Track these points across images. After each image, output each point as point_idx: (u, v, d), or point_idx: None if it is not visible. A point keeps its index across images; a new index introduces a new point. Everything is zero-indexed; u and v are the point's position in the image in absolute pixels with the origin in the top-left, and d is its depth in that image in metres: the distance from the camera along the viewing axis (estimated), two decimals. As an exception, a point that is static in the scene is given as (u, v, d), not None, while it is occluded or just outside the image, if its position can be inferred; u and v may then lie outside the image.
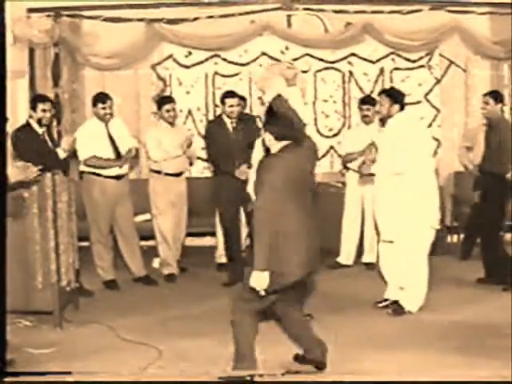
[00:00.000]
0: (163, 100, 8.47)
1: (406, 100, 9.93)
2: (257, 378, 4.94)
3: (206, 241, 9.80)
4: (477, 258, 8.47)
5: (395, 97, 7.06)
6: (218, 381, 4.95)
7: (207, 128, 8.50)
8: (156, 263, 8.49)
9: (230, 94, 8.24)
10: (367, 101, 8.79)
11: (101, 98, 7.88)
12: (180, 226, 8.46)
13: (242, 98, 8.75)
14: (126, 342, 6.06)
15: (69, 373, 5.08)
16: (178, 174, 8.36)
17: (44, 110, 7.24)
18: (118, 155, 7.80)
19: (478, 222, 8.36)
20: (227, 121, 8.17)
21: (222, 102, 8.21)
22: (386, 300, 7.07)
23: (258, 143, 6.84)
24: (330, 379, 5.15)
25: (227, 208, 8.15)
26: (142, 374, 5.27)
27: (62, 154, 7.28)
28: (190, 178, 9.07)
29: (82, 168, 7.80)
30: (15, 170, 5.93)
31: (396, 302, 6.92)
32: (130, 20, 9.76)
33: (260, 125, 8.14)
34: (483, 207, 8.07)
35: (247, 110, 9.71)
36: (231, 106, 8.09)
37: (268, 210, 4.77)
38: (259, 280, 4.80)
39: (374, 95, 8.83)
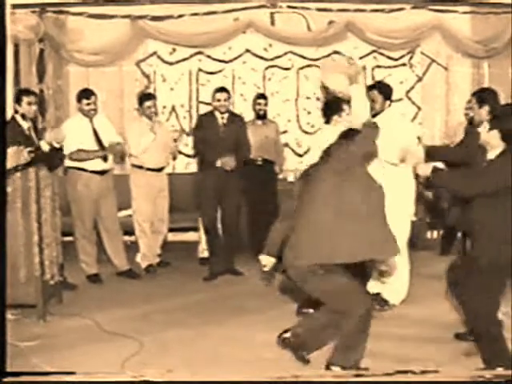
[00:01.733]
0: (144, 96, 8.56)
1: (388, 97, 10.13)
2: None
3: (189, 236, 9.87)
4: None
5: (387, 93, 7.13)
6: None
7: (198, 121, 8.58)
8: (139, 257, 8.57)
9: (221, 88, 8.34)
10: None
11: (85, 93, 7.94)
12: (162, 221, 8.57)
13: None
14: (109, 334, 6.12)
15: (69, 373, 5.13)
16: (159, 169, 8.45)
17: (29, 103, 7.25)
18: (103, 150, 7.89)
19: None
20: (218, 115, 8.23)
21: (213, 97, 8.31)
22: None
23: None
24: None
25: (208, 203, 8.25)
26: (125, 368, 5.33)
27: (45, 146, 7.30)
28: (174, 174, 9.17)
29: (67, 163, 7.86)
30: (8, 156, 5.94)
31: (378, 295, 6.99)
32: (114, 17, 9.79)
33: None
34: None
35: (230, 107, 9.81)
36: (219, 100, 8.17)
37: None
38: None
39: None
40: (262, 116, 9.26)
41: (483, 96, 6.42)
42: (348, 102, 6.26)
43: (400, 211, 6.76)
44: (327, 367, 5.18)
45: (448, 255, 9.08)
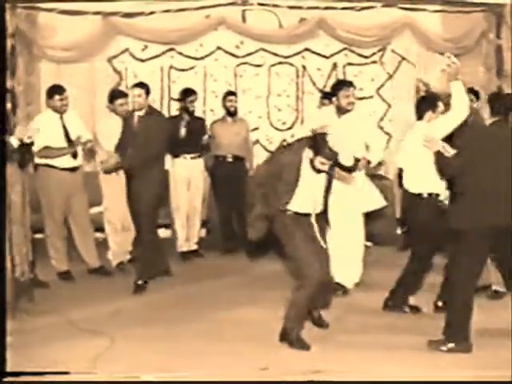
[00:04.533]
0: (116, 94, 8.57)
1: (359, 95, 10.28)
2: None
3: (161, 233, 9.87)
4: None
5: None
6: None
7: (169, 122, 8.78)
8: (110, 255, 8.57)
9: (138, 84, 8.22)
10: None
11: (57, 89, 7.93)
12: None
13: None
14: (80, 331, 6.14)
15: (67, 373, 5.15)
16: None
17: None
18: (71, 146, 7.88)
19: None
20: (185, 117, 8.67)
21: (182, 99, 8.71)
22: None
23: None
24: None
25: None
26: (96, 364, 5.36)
27: (15, 142, 7.27)
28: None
29: (37, 160, 7.85)
30: None
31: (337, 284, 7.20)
32: (86, 13, 9.78)
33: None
34: None
35: (201, 104, 9.91)
36: (192, 101, 8.68)
37: None
38: None
39: (327, 90, 9.06)
40: (232, 113, 9.30)
41: None
42: (442, 98, 6.43)
43: (355, 204, 7.17)
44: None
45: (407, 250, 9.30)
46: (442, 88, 6.48)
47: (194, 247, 9.21)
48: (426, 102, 6.78)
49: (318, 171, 5.73)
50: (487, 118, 6.15)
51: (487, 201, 5.61)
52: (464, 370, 5.21)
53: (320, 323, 6.26)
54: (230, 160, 9.17)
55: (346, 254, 7.19)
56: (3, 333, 5.04)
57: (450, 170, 5.83)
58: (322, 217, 5.96)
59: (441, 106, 6.65)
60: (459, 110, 6.16)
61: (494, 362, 5.31)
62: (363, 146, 7.23)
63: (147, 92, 7.67)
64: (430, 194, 6.53)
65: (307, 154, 5.71)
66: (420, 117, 6.75)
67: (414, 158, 6.54)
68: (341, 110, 7.23)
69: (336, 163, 5.76)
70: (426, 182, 6.51)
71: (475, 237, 5.59)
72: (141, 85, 7.75)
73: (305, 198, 5.77)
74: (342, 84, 7.57)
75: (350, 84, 7.45)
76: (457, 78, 6.12)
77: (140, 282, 7.46)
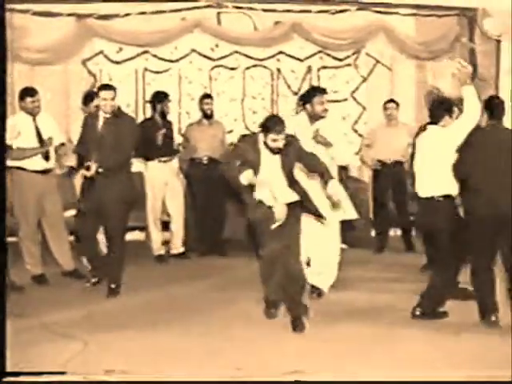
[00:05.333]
0: (90, 96, 8.55)
1: (334, 97, 10.36)
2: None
3: (135, 235, 9.87)
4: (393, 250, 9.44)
5: None
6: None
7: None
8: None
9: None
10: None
11: (29, 91, 7.90)
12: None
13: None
14: (54, 335, 6.12)
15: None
16: None
17: None
18: (43, 147, 7.85)
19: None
20: (158, 120, 8.80)
21: (156, 102, 8.80)
22: None
23: None
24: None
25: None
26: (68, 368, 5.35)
27: None
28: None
29: (9, 162, 7.79)
30: None
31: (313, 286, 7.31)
32: (60, 15, 9.76)
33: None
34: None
35: (177, 106, 9.92)
36: (164, 104, 8.78)
37: None
38: None
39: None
40: (208, 116, 9.32)
41: None
42: (456, 103, 6.53)
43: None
44: None
45: (382, 252, 9.43)
46: (453, 93, 6.57)
47: (181, 250, 9.25)
48: (443, 107, 6.68)
49: (274, 151, 6.02)
50: (485, 122, 6.44)
51: (490, 195, 6.18)
52: (463, 370, 5.22)
53: (296, 325, 6.25)
54: (205, 162, 9.18)
55: (322, 257, 7.27)
56: (3, 333, 5.02)
57: (459, 174, 6.30)
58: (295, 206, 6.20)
59: (456, 110, 6.70)
60: (472, 114, 6.29)
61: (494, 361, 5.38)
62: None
63: (115, 94, 7.47)
64: (445, 197, 6.51)
65: (261, 137, 6.06)
66: (435, 121, 6.65)
67: (430, 163, 6.53)
68: (314, 117, 7.21)
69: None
70: (442, 185, 6.51)
71: (484, 225, 6.17)
72: (110, 87, 7.58)
73: (266, 186, 6.06)
74: (315, 91, 7.51)
75: (323, 91, 7.42)
76: (468, 82, 6.26)
77: (113, 286, 7.45)
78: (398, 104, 9.54)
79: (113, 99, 7.36)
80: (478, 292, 6.37)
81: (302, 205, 6.28)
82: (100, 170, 7.21)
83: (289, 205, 6.19)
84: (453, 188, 6.49)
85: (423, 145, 6.68)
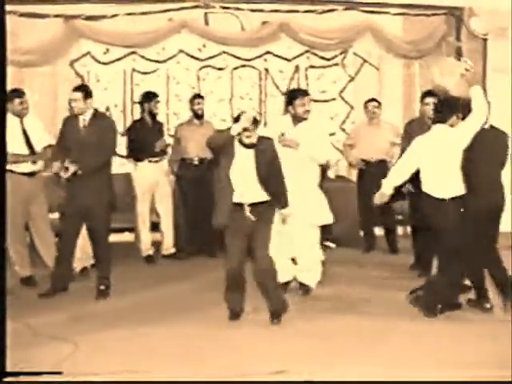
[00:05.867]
0: None
1: (322, 97, 10.40)
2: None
3: (125, 236, 9.87)
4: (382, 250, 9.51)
5: None
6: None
7: (131, 126, 9.23)
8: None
9: (150, 93, 8.80)
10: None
11: (16, 93, 7.87)
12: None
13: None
14: (43, 337, 6.11)
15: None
16: None
17: None
18: (32, 151, 7.82)
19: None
20: (148, 121, 8.84)
21: (145, 102, 8.85)
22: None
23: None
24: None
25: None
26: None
27: None
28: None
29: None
30: None
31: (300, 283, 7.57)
32: (47, 16, 9.71)
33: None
34: None
35: (165, 107, 9.92)
36: (153, 104, 8.89)
37: None
38: None
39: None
40: (199, 116, 9.32)
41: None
42: (463, 103, 6.61)
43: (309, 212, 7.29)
44: None
45: (370, 252, 9.51)
46: (460, 93, 6.65)
47: (172, 250, 9.28)
48: (451, 107, 6.73)
49: (246, 146, 6.20)
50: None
51: (487, 190, 6.56)
52: (464, 369, 5.25)
53: (273, 318, 6.48)
54: (196, 163, 9.16)
55: (308, 255, 7.46)
56: (3, 333, 5.01)
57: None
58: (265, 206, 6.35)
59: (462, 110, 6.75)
60: (480, 114, 6.41)
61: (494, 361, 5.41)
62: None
63: (87, 95, 7.39)
64: (453, 198, 6.57)
65: (233, 130, 6.17)
66: (442, 121, 6.67)
67: (438, 162, 6.58)
68: (296, 119, 7.30)
69: None
70: (450, 185, 6.58)
71: (483, 215, 6.49)
72: (79, 88, 7.53)
73: (239, 183, 6.25)
74: (296, 93, 7.64)
75: (304, 92, 7.53)
76: (475, 82, 6.34)
77: (102, 287, 7.44)
78: (379, 103, 9.60)
79: (84, 101, 7.32)
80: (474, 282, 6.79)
81: (272, 204, 6.41)
82: (79, 172, 7.20)
83: (258, 204, 6.32)
84: (461, 188, 6.55)
85: (431, 144, 6.67)
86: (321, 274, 7.61)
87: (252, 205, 6.29)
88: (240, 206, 6.28)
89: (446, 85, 6.73)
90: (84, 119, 7.38)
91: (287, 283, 7.52)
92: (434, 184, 6.64)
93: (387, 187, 6.94)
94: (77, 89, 7.49)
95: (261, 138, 6.27)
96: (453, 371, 5.23)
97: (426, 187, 6.69)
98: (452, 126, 6.60)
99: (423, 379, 5.11)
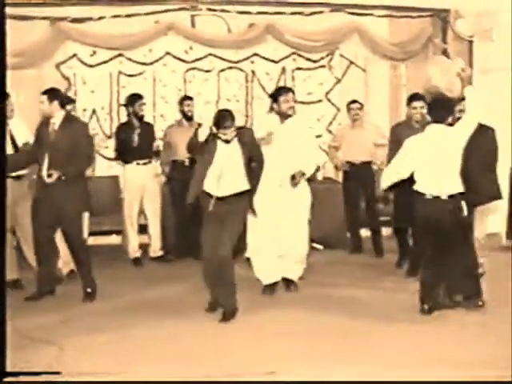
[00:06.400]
0: (65, 100, 8.51)
1: (308, 99, 10.42)
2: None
3: (112, 239, 9.85)
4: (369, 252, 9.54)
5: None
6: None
7: (118, 129, 9.20)
8: (60, 263, 8.51)
9: (136, 95, 8.87)
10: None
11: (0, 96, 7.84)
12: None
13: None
14: (30, 340, 6.10)
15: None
16: None
17: None
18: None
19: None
20: (135, 123, 8.84)
21: (130, 104, 8.87)
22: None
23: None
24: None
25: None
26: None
27: None
28: (94, 177, 9.14)
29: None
30: None
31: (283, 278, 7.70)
32: (33, 18, 9.69)
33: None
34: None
35: (151, 109, 9.92)
36: (139, 106, 8.91)
37: None
38: None
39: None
40: (189, 118, 9.31)
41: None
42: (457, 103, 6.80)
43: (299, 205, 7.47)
44: None
45: (357, 253, 9.59)
46: (455, 93, 6.74)
47: (160, 253, 9.27)
48: (448, 106, 6.74)
49: (226, 141, 6.55)
50: None
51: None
52: (463, 369, 5.26)
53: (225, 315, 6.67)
54: (187, 164, 9.08)
55: (293, 250, 7.57)
56: (3, 333, 4.99)
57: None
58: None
59: (456, 110, 6.79)
60: (476, 113, 6.52)
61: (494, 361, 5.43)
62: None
63: (52, 98, 7.31)
64: (450, 196, 6.58)
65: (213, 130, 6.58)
66: (440, 120, 6.64)
67: (437, 161, 6.57)
68: (282, 116, 7.43)
69: None
70: (447, 183, 6.59)
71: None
72: (46, 91, 7.43)
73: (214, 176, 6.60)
74: (281, 90, 7.75)
75: (288, 90, 7.68)
76: (470, 82, 6.40)
77: (89, 290, 7.43)
78: (362, 104, 9.66)
79: (49, 103, 7.26)
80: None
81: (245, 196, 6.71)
82: (63, 177, 7.16)
83: (233, 196, 6.64)
84: (458, 186, 6.57)
85: (427, 144, 6.64)
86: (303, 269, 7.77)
87: (228, 197, 6.60)
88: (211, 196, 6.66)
89: (444, 84, 6.80)
90: (54, 123, 7.33)
91: (274, 284, 7.61)
92: (431, 183, 6.61)
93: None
94: (44, 92, 7.45)
95: (241, 130, 6.68)
96: (453, 371, 5.26)
97: (422, 186, 6.64)
98: (451, 125, 6.63)
99: (423, 379, 5.13)
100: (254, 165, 6.73)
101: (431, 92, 7.52)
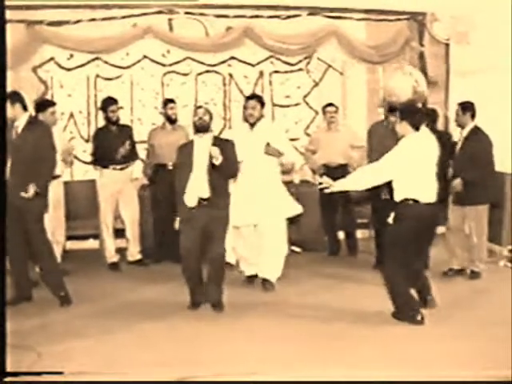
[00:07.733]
0: (45, 103, 8.50)
1: (286, 102, 10.46)
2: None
3: (89, 244, 9.80)
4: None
5: (263, 102, 7.92)
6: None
7: (96, 133, 9.18)
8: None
9: (111, 99, 8.85)
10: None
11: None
12: (59, 229, 8.53)
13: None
14: (8, 346, 6.07)
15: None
16: (55, 177, 8.13)
17: None
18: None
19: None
20: (112, 128, 8.84)
21: (105, 108, 8.87)
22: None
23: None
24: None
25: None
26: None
27: None
28: (72, 182, 9.12)
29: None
30: None
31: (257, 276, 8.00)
32: (9, 21, 9.57)
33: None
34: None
35: (129, 113, 9.88)
36: (113, 110, 8.85)
37: None
38: None
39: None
40: (173, 121, 9.27)
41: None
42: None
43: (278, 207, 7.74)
44: None
45: (335, 255, 9.65)
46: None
47: (138, 257, 9.22)
48: (421, 113, 6.76)
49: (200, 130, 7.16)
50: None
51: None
52: (464, 369, 5.29)
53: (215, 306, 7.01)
54: (170, 168, 9.00)
55: (273, 251, 7.76)
56: (3, 333, 4.96)
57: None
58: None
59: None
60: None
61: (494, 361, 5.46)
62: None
63: (13, 101, 7.11)
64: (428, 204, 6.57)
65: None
66: (417, 127, 6.55)
67: (411, 168, 6.50)
68: (249, 123, 7.76)
69: None
70: (425, 190, 6.56)
71: None
72: (8, 95, 6.98)
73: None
74: (247, 97, 8.11)
75: (250, 97, 8.02)
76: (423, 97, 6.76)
77: (62, 293, 7.36)
78: (337, 107, 9.69)
79: (11, 106, 7.06)
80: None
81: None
82: (38, 190, 7.07)
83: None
84: (434, 193, 6.60)
85: (411, 149, 6.52)
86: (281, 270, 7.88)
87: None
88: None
89: (397, 91, 7.00)
90: (17, 126, 7.20)
91: (252, 277, 8.00)
92: (422, 189, 6.54)
93: (359, 185, 6.99)
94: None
95: (220, 141, 7.15)
96: (453, 371, 5.29)
97: (412, 193, 6.52)
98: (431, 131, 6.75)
99: (423, 379, 5.18)
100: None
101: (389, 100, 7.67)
